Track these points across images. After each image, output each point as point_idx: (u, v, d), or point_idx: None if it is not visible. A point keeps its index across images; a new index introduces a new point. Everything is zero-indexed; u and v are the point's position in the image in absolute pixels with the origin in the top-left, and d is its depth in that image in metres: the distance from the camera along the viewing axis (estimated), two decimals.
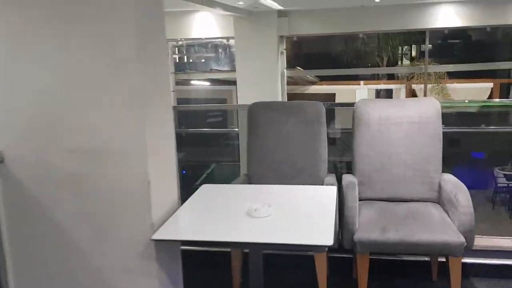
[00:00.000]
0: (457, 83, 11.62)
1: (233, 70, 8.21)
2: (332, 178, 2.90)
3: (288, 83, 8.86)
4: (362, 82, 12.79)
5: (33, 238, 2.03)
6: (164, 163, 2.10)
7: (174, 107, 7.26)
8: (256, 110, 3.03)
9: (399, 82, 12.47)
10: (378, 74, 13.43)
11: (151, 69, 1.94)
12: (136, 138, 1.87)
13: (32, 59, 1.87)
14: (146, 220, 1.92)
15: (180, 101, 9.32)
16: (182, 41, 8.80)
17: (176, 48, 9.62)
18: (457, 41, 13.09)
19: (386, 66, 13.02)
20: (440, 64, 10.75)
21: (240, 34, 7.62)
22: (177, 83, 9.28)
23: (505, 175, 8.89)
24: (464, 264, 2.69)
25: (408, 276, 2.95)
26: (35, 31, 1.85)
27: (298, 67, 10.15)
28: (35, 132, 1.94)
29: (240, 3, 6.17)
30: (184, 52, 9.88)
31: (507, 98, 12.09)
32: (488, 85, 11.79)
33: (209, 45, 10.17)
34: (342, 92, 12.76)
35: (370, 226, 2.52)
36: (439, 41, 12.78)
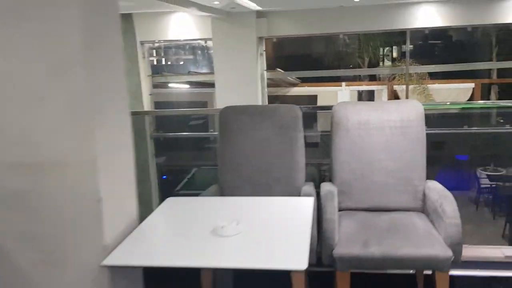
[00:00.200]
0: (438, 83, 11.59)
1: (212, 72, 7.99)
2: (310, 187, 2.70)
3: (269, 85, 8.67)
4: (343, 83, 12.68)
5: None
6: (120, 176, 1.87)
7: (147, 112, 7.03)
8: (228, 115, 2.82)
9: (381, 83, 12.39)
10: (359, 75, 13.35)
11: (101, 72, 1.72)
12: (84, 150, 1.65)
13: None
14: (98, 243, 1.70)
15: (158, 104, 9.06)
16: (159, 43, 8.55)
17: (154, 51, 9.34)
18: (438, 41, 13.08)
19: (368, 67, 12.94)
20: (422, 64, 10.70)
21: (218, 36, 7.41)
22: (155, 86, 9.01)
23: (488, 176, 8.86)
24: (451, 277, 2.52)
25: None
26: None
27: (278, 69, 9.97)
28: None
29: (216, 3, 5.96)
30: (162, 54, 9.61)
31: (488, 98, 12.10)
32: (469, 86, 11.78)
33: (187, 47, 9.93)
34: (324, 93, 12.64)
35: (350, 240, 2.33)
36: (420, 42, 12.74)
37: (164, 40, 8.28)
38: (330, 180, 2.78)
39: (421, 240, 2.32)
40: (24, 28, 1.57)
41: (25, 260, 1.75)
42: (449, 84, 11.77)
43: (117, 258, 1.66)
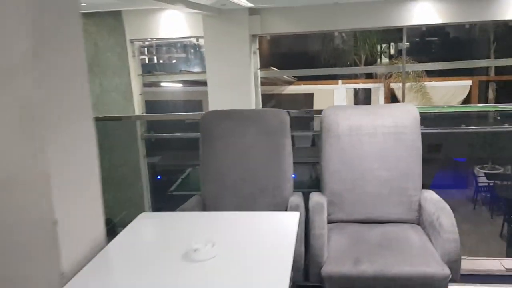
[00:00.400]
0: (435, 81, 11.41)
1: (204, 71, 7.79)
2: (298, 197, 2.52)
3: (264, 84, 8.48)
4: (340, 81, 12.51)
5: None
6: (82, 193, 1.69)
7: (138, 117, 6.83)
8: (210, 121, 2.64)
9: (378, 81, 12.22)
10: (356, 73, 13.17)
11: (56, 79, 1.53)
12: (34, 166, 1.46)
13: None
14: (53, 272, 1.51)
15: (149, 103, 8.86)
16: (150, 41, 8.34)
17: (146, 49, 9.13)
18: (435, 38, 12.91)
19: (364, 65, 12.76)
20: (419, 61, 10.51)
21: (209, 34, 7.20)
22: (147, 85, 8.81)
23: (485, 174, 8.72)
24: None
25: None
26: None
27: (272, 68, 9.77)
28: None
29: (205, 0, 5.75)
30: (154, 52, 9.39)
31: (486, 95, 11.95)
32: (467, 83, 11.62)
33: (179, 45, 9.71)
34: (320, 92, 12.47)
35: (340, 257, 2.16)
36: (417, 39, 12.57)
37: (154, 38, 8.07)
38: (320, 190, 2.60)
39: (416, 257, 2.15)
40: None
41: None
42: (446, 81, 11.60)
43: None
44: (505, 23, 9.39)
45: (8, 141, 1.43)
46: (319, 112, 2.66)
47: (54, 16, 1.53)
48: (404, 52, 9.12)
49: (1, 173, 1.45)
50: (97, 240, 1.74)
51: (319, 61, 12.76)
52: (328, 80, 12.27)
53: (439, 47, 12.95)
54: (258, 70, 7.93)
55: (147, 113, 8.18)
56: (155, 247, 1.75)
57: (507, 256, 6.28)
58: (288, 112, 2.66)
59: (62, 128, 1.55)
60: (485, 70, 11.69)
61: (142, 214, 2.08)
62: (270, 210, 2.51)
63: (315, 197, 2.47)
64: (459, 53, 11.90)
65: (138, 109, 7.86)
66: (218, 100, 7.25)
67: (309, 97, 12.52)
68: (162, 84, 9.89)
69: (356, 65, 12.87)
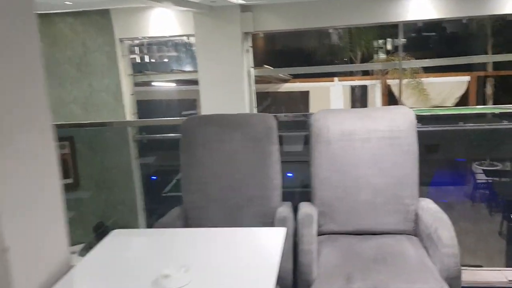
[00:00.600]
0: (433, 77, 11.25)
1: (196, 70, 7.61)
2: (286, 208, 2.35)
3: (259, 82, 8.32)
4: (336, 78, 12.34)
5: None
6: (39, 214, 1.52)
7: (130, 122, 6.66)
8: (192, 127, 2.46)
9: (374, 78, 12.05)
10: (352, 70, 13.00)
11: (4, 84, 1.35)
12: None
13: None
14: None
15: (141, 103, 8.68)
16: (140, 39, 8.16)
17: (137, 48, 8.94)
18: (432, 34, 12.75)
19: (361, 62, 12.60)
20: (416, 57, 10.35)
21: (200, 32, 7.02)
22: (138, 85, 8.64)
23: (484, 171, 8.58)
24: None
25: None
26: None
27: (266, 66, 9.58)
28: None
29: None
30: (145, 51, 9.19)
31: (484, 91, 11.81)
32: (464, 79, 11.47)
33: (170, 44, 9.51)
34: (316, 89, 12.31)
35: (331, 274, 1.99)
36: (413, 34, 12.40)
37: (144, 37, 7.90)
38: (310, 200, 2.43)
39: (413, 273, 1.99)
40: None
41: None
42: (444, 77, 11.44)
43: None
44: (503, 18, 9.22)
45: None
46: (308, 116, 2.48)
47: (4, 18, 1.36)
48: (400, 48, 8.96)
49: None
50: (58, 265, 1.57)
51: (315, 58, 12.59)
52: (324, 77, 12.10)
53: (436, 42, 12.80)
54: (252, 69, 7.75)
55: (139, 113, 8.01)
56: (122, 272, 1.58)
57: (507, 255, 6.15)
58: (275, 116, 2.49)
59: (14, 139, 1.38)
60: (483, 66, 11.53)
61: (115, 231, 1.91)
62: (257, 221, 2.35)
63: (304, 208, 2.30)
64: (457, 48, 11.74)
65: (129, 110, 7.69)
66: (210, 99, 7.08)
67: (305, 95, 12.37)
68: (154, 83, 9.71)
69: (352, 61, 12.70)
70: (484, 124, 7.54)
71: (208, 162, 2.42)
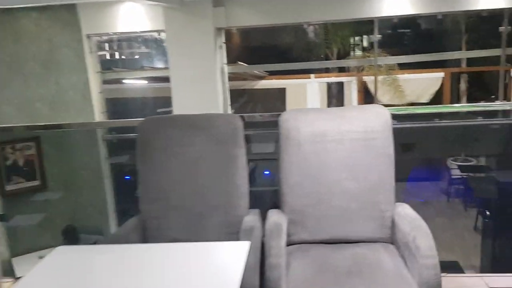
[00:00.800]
0: (408, 73, 11.27)
1: (167, 67, 7.37)
2: (253, 217, 2.17)
3: (234, 79, 8.12)
4: (312, 75, 12.25)
5: None
6: None
7: (96, 124, 6.39)
8: (149, 129, 2.26)
9: (350, 75, 12.02)
10: (328, 67, 12.94)
11: None
12: None
13: None
14: None
15: (111, 101, 8.37)
16: (109, 35, 7.85)
17: (106, 44, 8.63)
18: (407, 30, 12.77)
19: (337, 58, 12.54)
20: (391, 54, 10.32)
21: (171, 27, 6.77)
22: (108, 82, 8.33)
23: (458, 166, 8.60)
24: None
25: None
26: None
27: (240, 62, 9.38)
28: None
29: None
30: (115, 48, 8.88)
31: (458, 87, 11.91)
32: (439, 75, 11.53)
33: (140, 40, 9.23)
34: (293, 86, 12.20)
35: None
36: (388, 31, 12.40)
37: (113, 33, 7.59)
38: (279, 207, 2.25)
39: (390, 285, 1.84)
40: None
41: None
42: (419, 74, 11.47)
43: None
44: (477, 14, 9.26)
45: None
46: (276, 116, 2.30)
47: None
48: (376, 44, 8.89)
49: None
50: None
51: (291, 55, 12.47)
52: (300, 74, 12.00)
53: (411, 39, 12.84)
54: (225, 65, 7.55)
55: (110, 112, 7.73)
56: None
57: (482, 251, 6.14)
58: (242, 116, 2.31)
59: None
60: (457, 62, 11.62)
61: (59, 248, 1.70)
62: (222, 232, 2.17)
63: (273, 217, 2.12)
64: (431, 45, 11.79)
65: (97, 108, 7.41)
66: (182, 96, 6.84)
67: (282, 91, 12.23)
68: (125, 81, 9.40)
69: (328, 58, 12.63)
70: (459, 121, 7.53)
71: (169, 167, 2.22)
